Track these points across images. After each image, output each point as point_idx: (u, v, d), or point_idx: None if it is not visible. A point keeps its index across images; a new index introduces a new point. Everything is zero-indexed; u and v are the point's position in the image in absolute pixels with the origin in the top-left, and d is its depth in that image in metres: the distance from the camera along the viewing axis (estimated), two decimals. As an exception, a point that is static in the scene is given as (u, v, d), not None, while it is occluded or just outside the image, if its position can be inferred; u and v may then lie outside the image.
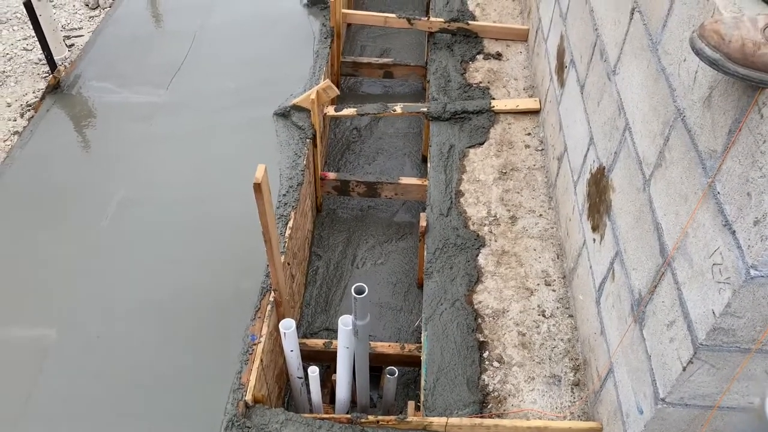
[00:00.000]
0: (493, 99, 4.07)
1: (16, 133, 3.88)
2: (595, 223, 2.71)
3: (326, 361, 3.40)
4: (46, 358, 2.71)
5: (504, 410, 2.64)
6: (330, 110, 4.10)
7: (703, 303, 1.70)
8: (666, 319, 1.92)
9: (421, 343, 3.09)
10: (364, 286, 2.20)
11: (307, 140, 3.75)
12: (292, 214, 3.31)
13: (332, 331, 3.63)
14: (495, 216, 3.44)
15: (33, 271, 3.06)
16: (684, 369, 1.79)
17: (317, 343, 3.31)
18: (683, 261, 1.83)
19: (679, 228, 1.88)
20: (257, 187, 2.29)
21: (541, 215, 3.43)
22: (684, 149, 1.88)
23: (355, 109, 4.08)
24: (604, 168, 2.64)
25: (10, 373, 2.67)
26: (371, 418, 2.55)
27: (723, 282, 1.60)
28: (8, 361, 2.71)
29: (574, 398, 2.67)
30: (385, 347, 3.31)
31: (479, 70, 4.40)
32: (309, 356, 3.21)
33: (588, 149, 2.89)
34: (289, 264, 3.23)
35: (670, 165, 1.98)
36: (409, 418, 2.55)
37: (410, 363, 3.32)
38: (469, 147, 3.82)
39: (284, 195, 3.39)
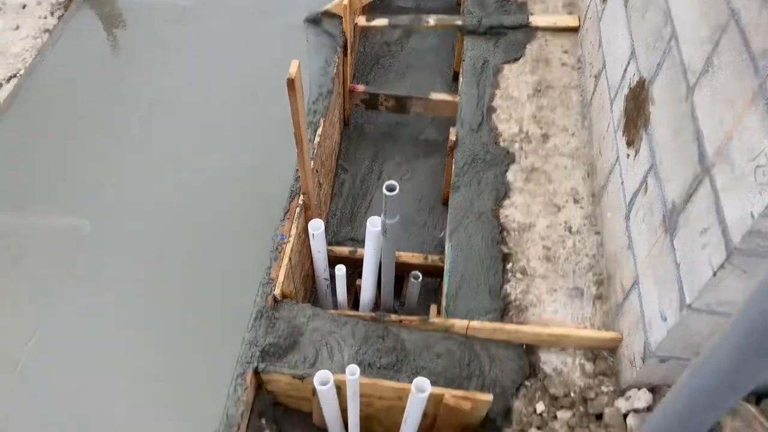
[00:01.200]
0: (531, 14, 3.93)
1: (46, 30, 3.86)
2: (630, 138, 2.67)
3: (351, 267, 3.45)
4: (81, 247, 2.78)
5: (525, 319, 2.68)
6: (361, 20, 4.00)
7: (742, 206, 1.68)
8: (699, 226, 1.91)
9: (444, 254, 3.12)
10: (395, 183, 2.20)
11: (338, 48, 3.68)
12: (321, 121, 3.30)
13: (357, 242, 3.67)
14: (526, 133, 3.39)
15: (65, 167, 3.10)
16: (714, 274, 1.80)
17: (343, 250, 3.37)
18: (724, 166, 1.80)
19: (722, 134, 1.84)
20: (290, 83, 2.27)
21: (573, 134, 3.38)
22: (735, 52, 1.82)
23: (387, 20, 3.98)
24: (644, 81, 2.57)
25: (46, 259, 2.76)
26: (394, 317, 2.61)
27: (766, 183, 1.58)
28: (44, 249, 2.79)
29: (596, 310, 2.70)
30: (408, 257, 3.35)
31: (517, -15, 4.23)
32: (334, 262, 3.25)
33: (628, 64, 2.80)
34: (317, 171, 3.24)
35: (718, 71, 1.92)
36: (432, 320, 2.61)
37: (433, 273, 3.36)
38: (504, 63, 3.73)
39: (314, 102, 3.37)
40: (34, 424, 2.33)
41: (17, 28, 3.91)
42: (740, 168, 1.71)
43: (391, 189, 2.21)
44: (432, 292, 3.50)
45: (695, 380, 0.67)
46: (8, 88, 3.52)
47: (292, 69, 2.25)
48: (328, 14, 3.78)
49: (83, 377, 2.44)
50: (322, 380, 2.16)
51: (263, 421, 2.48)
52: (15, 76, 3.60)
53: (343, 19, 3.64)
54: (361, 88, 4.01)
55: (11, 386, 2.41)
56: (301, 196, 2.91)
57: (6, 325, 2.56)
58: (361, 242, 3.59)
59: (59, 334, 2.55)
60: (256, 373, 2.42)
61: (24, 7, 4.06)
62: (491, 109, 3.52)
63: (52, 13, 4.00)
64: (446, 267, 2.92)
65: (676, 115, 2.20)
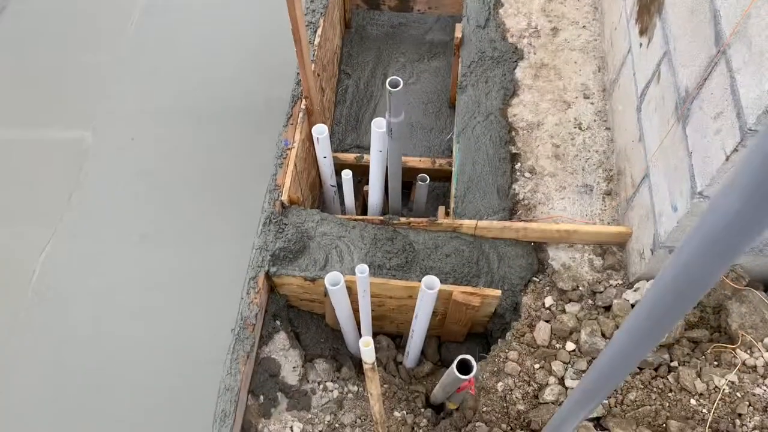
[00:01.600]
0: None
1: (29, -63, 3.67)
2: (643, 26, 2.55)
3: (358, 175, 3.43)
4: (85, 158, 2.77)
5: (533, 217, 2.67)
6: None
7: (758, 86, 1.61)
8: (713, 111, 1.85)
9: (452, 158, 3.08)
10: (399, 79, 2.13)
11: (336, -56, 3.49)
12: (321, 21, 3.17)
13: (363, 149, 3.63)
14: (535, 27, 3.25)
15: (64, 78, 3.04)
16: (727, 158, 1.75)
17: (348, 156, 3.33)
18: (741, 46, 1.72)
19: (740, 11, 1.74)
20: (286, -23, 2.16)
21: (584, 27, 3.24)
22: None
23: None
24: (660, -38, 2.42)
25: (51, 172, 2.75)
26: (403, 219, 2.61)
27: (785, 58, 1.51)
28: (49, 161, 2.78)
29: (605, 206, 2.69)
30: (415, 162, 3.32)
31: None
32: (341, 169, 3.23)
33: (643, -55, 2.64)
34: (319, 75, 3.15)
35: (739, -58, 1.79)
36: (440, 221, 2.60)
37: (441, 177, 3.34)
38: (511, -47, 3.52)
39: (312, 1, 3.23)
40: (51, 333, 2.40)
41: (-1, -65, 3.73)
42: (758, 45, 1.63)
43: (394, 85, 2.14)
44: (440, 196, 3.49)
45: (709, 221, 0.66)
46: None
47: (286, -38, 2.14)
48: None
49: (97, 289, 2.49)
50: (333, 281, 2.19)
51: (277, 322, 2.54)
52: (2, -13, 3.46)
53: None
54: (361, -13, 3.84)
55: (28, 295, 2.46)
56: (304, 101, 2.85)
57: (19, 237, 2.59)
58: (367, 149, 3.55)
59: (71, 244, 2.58)
60: (268, 276, 2.45)
61: None
62: (498, 4, 3.36)
63: None
64: (454, 169, 2.89)
65: (692, -5, 2.08)
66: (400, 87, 2.12)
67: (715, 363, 2.17)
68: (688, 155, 2.01)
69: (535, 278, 2.55)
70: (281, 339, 2.50)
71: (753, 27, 1.66)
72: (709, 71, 1.90)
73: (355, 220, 2.62)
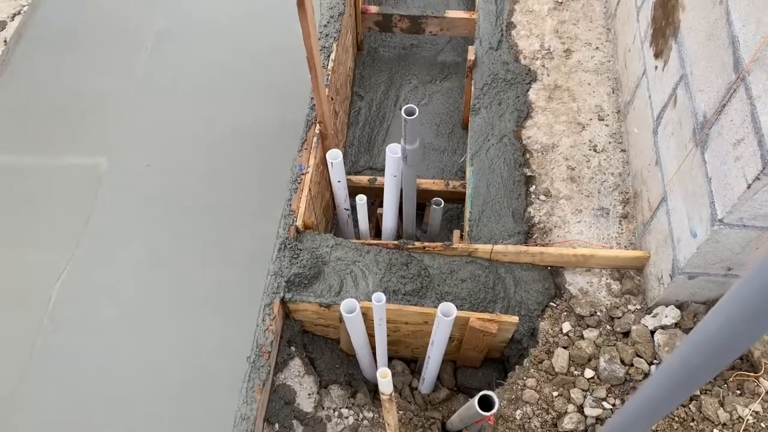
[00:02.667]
0: None
1: (47, -36, 3.73)
2: (658, 49, 2.54)
3: (371, 197, 3.43)
4: (101, 184, 2.78)
5: (549, 241, 2.65)
6: (371, -63, 3.80)
7: (780, 114, 1.59)
8: (733, 137, 1.83)
9: (465, 180, 3.07)
10: (415, 107, 2.13)
11: (349, -32, 3.51)
12: (334, 46, 3.19)
13: (376, 170, 3.63)
14: (548, 49, 3.25)
15: (78, 102, 3.07)
16: (749, 186, 1.73)
17: (362, 179, 3.33)
18: (761, 73, 1.70)
19: (760, 37, 1.73)
20: (300, 4, 2.17)
21: (597, 48, 3.23)
22: (776, -53, 1.68)
23: (399, -65, 3.78)
24: (674, -14, 2.41)
25: (68, 198, 2.77)
26: (418, 244, 2.60)
27: (807, 88, 1.49)
28: (65, 187, 2.80)
29: (622, 230, 2.66)
30: (429, 183, 3.31)
31: None
32: (354, 192, 3.23)
33: (657, -32, 2.63)
34: (332, 99, 3.16)
35: (757, -32, 1.78)
36: (455, 245, 2.59)
37: (454, 199, 3.33)
38: (523, -25, 3.54)
39: (325, 26, 3.25)
40: (68, 359, 2.40)
41: (17, -37, 3.79)
42: (779, 73, 1.61)
43: (410, 113, 2.14)
44: (454, 219, 3.48)
45: (741, 294, 0.64)
46: (13, 25, 3.44)
47: (301, -10, 2.15)
48: (336, -69, 3.59)
49: (113, 315, 2.49)
50: (349, 308, 2.18)
51: (292, 348, 2.52)
52: (19, 13, 3.51)
53: (352, -64, 3.45)
54: (373, 9, 3.86)
55: (45, 321, 2.47)
56: (318, 125, 2.85)
57: (35, 264, 2.60)
58: (380, 171, 3.55)
59: (87, 270, 2.58)
60: (283, 302, 2.44)
61: (22, -60, 3.92)
62: (510, 25, 3.37)
63: (50, -55, 3.86)
64: (468, 191, 2.88)
65: (709, 20, 2.07)
66: (415, 115, 2.12)
67: (738, 392, 2.13)
68: (707, 181, 1.99)
69: (552, 303, 2.52)
70: (296, 365, 2.49)
71: (773, 54, 1.65)
72: (728, 97, 1.88)
73: (370, 244, 2.61)
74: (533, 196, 2.81)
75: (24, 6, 3.52)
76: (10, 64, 3.22)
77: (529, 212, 2.76)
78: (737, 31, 1.87)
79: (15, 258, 2.63)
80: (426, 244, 2.60)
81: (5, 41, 3.35)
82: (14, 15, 3.49)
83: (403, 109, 2.13)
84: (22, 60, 3.25)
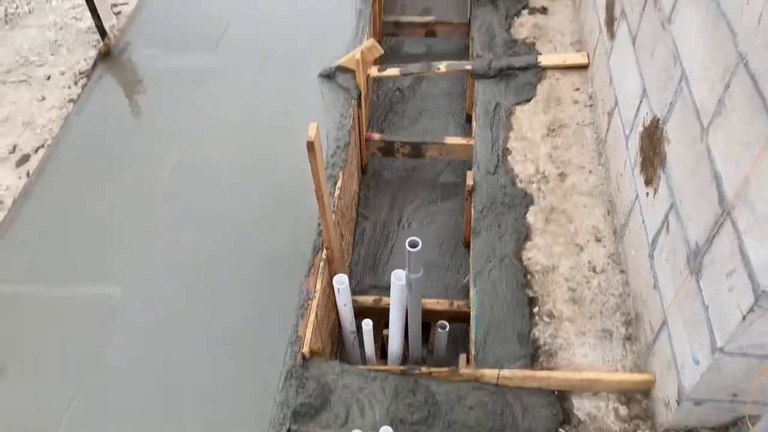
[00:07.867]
0: (540, 54, 3.99)
1: (71, 100, 4.00)
2: (648, 177, 2.68)
3: (376, 317, 3.46)
4: (113, 314, 2.84)
5: (555, 364, 2.66)
6: (373, 71, 4.09)
7: (766, 250, 1.67)
8: (725, 268, 1.90)
9: (469, 299, 3.12)
10: (418, 239, 2.23)
11: (353, 101, 3.76)
12: (340, 174, 3.35)
13: (381, 289, 3.69)
14: (543, 173, 3.41)
15: (93, 234, 3.19)
16: (744, 318, 1.78)
17: (367, 300, 3.39)
18: (744, 209, 1.80)
19: (741, 176, 1.84)
20: (310, 146, 2.32)
21: (590, 171, 3.39)
22: (746, 95, 1.83)
23: (399, 69, 4.06)
24: (658, 120, 2.59)
25: (79, 328, 2.81)
26: (424, 369, 2.61)
27: (788, 228, 1.58)
28: (76, 317, 2.85)
29: (626, 352, 2.68)
30: (433, 303, 3.35)
31: (524, 26, 4.31)
32: (360, 313, 3.27)
33: (641, 102, 2.83)
34: (338, 223, 3.29)
35: (731, 112, 1.94)
36: (462, 370, 2.60)
37: (459, 319, 3.36)
38: (516, 104, 3.78)
39: (332, 156, 3.43)
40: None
41: (43, 99, 4.07)
42: (761, 211, 1.71)
43: (413, 245, 2.23)
44: (459, 339, 3.49)
45: None
46: (37, 158, 3.64)
47: (311, 132, 2.31)
48: (341, 69, 3.88)
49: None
50: (355, 440, 2.17)
51: (298, 481, 2.47)
52: (43, 146, 3.72)
53: (356, 73, 3.72)
54: (377, 136, 4.08)
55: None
56: (324, 251, 2.95)
57: (45, 394, 2.61)
58: (384, 289, 3.61)
59: (96, 401, 2.58)
60: (289, 433, 2.42)
61: (48, 78, 4.23)
62: (506, 151, 3.55)
63: (75, 83, 4.16)
64: (473, 313, 2.93)
65: (692, 155, 2.21)
66: (419, 247, 2.22)
67: None
68: (704, 309, 2.04)
69: (560, 430, 2.49)
70: (302, 500, 2.43)
71: (754, 193, 1.76)
72: (716, 229, 1.97)
73: (376, 370, 2.62)
74: (537, 317, 2.85)
75: (48, 140, 3.74)
76: (33, 196, 3.38)
77: (534, 334, 2.79)
78: (719, 168, 1.99)
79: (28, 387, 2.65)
80: (432, 369, 2.61)
81: (28, 173, 3.53)
82: (38, 148, 3.70)
83: (407, 241, 2.23)
84: (43, 192, 3.41)
